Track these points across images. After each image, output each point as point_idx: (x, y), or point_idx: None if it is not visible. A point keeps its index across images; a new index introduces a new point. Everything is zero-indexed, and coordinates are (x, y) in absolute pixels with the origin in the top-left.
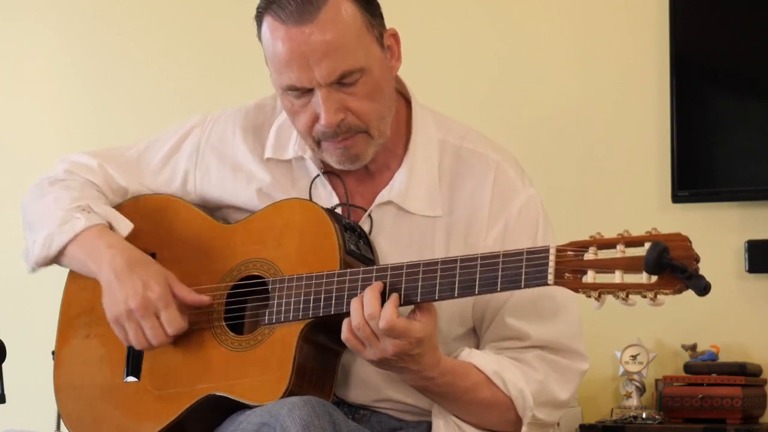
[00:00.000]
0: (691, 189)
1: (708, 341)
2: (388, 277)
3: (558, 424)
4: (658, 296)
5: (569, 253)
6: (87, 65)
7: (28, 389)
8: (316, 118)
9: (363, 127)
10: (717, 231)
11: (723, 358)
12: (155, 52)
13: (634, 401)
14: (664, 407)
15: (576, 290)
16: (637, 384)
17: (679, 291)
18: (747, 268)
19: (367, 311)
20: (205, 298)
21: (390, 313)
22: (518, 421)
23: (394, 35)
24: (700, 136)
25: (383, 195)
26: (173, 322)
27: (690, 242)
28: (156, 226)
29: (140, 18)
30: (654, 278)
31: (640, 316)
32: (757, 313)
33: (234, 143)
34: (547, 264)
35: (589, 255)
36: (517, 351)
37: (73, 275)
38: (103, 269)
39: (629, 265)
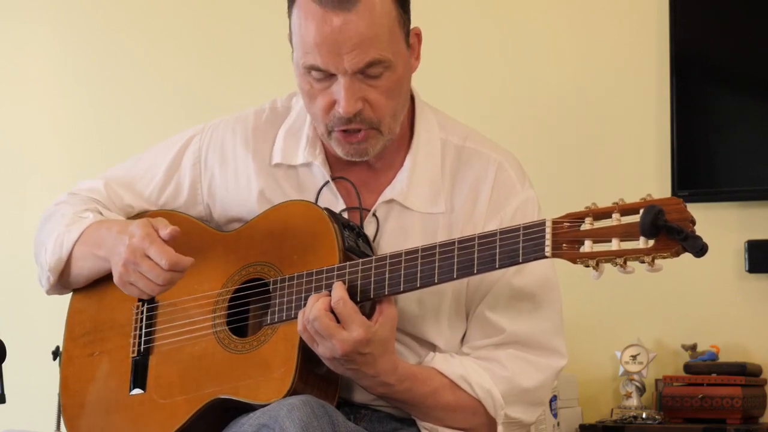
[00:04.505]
0: (691, 189)
1: (708, 341)
2: (387, 266)
3: (558, 424)
4: (656, 261)
5: (565, 224)
6: (87, 65)
7: (28, 389)
8: (333, 104)
9: (376, 122)
10: (717, 231)
11: (723, 358)
12: (155, 53)
13: (634, 401)
14: (664, 407)
15: (574, 260)
16: (637, 384)
17: (677, 254)
18: (747, 268)
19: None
20: (172, 228)
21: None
22: (492, 423)
23: (418, 34)
24: (700, 136)
25: (386, 194)
26: (162, 255)
27: (685, 205)
28: None
29: (140, 18)
30: (651, 242)
31: (640, 316)
32: (757, 313)
33: (235, 149)
34: (543, 237)
35: (586, 225)
36: (489, 349)
37: (75, 297)
38: (105, 248)
39: (626, 232)
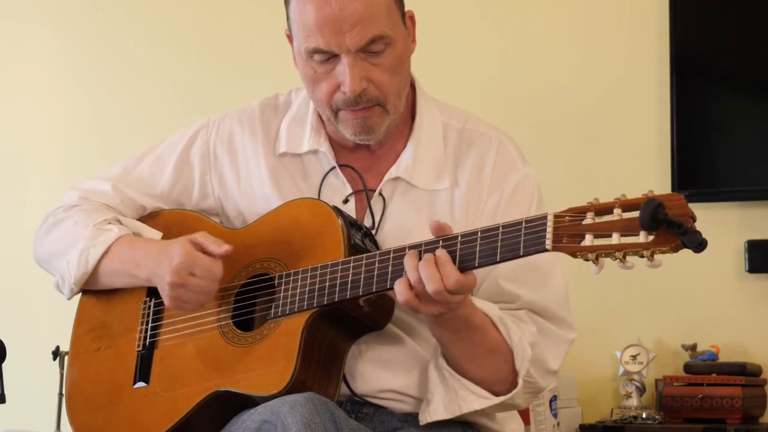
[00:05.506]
0: (691, 189)
1: (708, 341)
2: (390, 260)
3: (558, 424)
4: (655, 256)
5: (567, 218)
6: (87, 65)
7: (28, 389)
8: (337, 87)
9: (382, 99)
10: (717, 231)
11: (723, 358)
12: (155, 53)
13: (634, 401)
14: (664, 407)
15: (574, 254)
16: (637, 384)
17: (676, 249)
18: (747, 268)
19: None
20: (227, 247)
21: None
22: (512, 380)
23: (411, 17)
24: (700, 136)
25: (391, 172)
26: (207, 272)
27: (685, 200)
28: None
29: (140, 18)
30: (651, 237)
31: (640, 316)
32: (757, 313)
33: (244, 141)
34: (545, 230)
35: (587, 220)
36: (507, 313)
37: (84, 294)
38: (146, 269)
39: (626, 227)
